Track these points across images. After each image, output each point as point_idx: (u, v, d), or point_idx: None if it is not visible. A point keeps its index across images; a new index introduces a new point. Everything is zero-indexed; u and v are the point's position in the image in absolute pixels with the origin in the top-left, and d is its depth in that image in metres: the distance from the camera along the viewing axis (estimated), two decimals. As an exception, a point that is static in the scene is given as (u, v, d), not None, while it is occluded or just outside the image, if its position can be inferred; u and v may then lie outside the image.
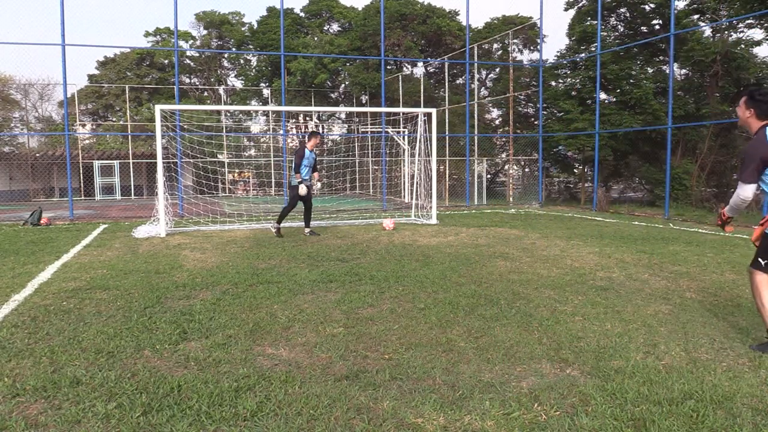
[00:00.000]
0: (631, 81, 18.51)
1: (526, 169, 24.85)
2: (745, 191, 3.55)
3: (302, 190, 9.41)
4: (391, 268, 6.51)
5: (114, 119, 35.02)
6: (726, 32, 17.86)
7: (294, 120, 34.64)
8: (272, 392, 2.99)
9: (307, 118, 35.34)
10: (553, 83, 21.38)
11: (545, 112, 20.81)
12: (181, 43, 34.26)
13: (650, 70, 19.05)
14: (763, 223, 3.65)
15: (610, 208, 16.39)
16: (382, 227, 11.02)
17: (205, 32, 35.94)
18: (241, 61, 36.19)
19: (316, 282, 5.78)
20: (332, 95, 34.99)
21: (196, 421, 2.67)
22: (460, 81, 30.95)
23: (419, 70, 31.32)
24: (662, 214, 14.18)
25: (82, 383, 3.10)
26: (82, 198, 25.84)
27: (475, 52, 22.29)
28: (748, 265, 3.79)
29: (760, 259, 3.68)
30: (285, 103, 18.11)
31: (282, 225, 10.08)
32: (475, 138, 21.74)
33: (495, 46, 29.96)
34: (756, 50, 17.29)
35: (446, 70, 27.14)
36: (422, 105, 24.80)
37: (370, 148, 27.18)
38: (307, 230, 10.05)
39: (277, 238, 9.47)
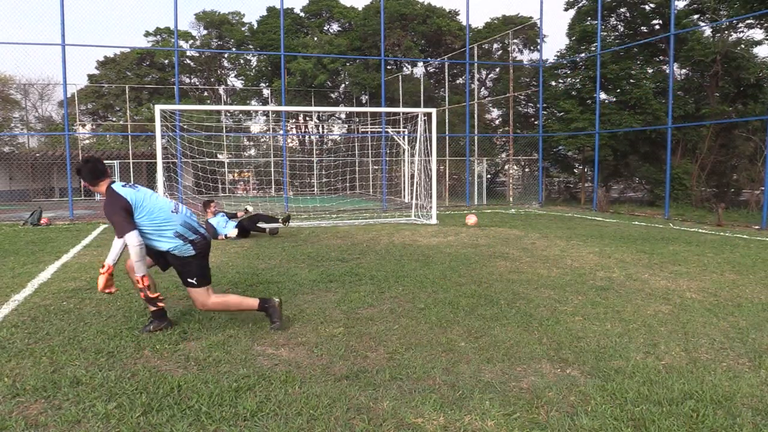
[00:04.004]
0: (631, 81, 18.50)
1: (526, 169, 24.85)
2: (131, 240, 3.69)
3: (233, 233, 9.58)
4: (391, 268, 6.51)
5: (114, 119, 35.02)
6: (726, 32, 17.86)
7: (294, 120, 34.64)
8: (272, 392, 2.99)
9: (307, 118, 35.34)
10: (553, 83, 21.37)
11: (545, 112, 20.81)
12: (181, 43, 34.25)
13: (650, 70, 19.04)
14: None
15: (610, 208, 16.40)
16: (466, 221, 11.83)
17: (205, 32, 35.94)
18: (241, 61, 36.18)
19: (316, 282, 5.78)
20: (332, 95, 34.99)
21: (196, 421, 2.67)
22: (460, 81, 30.95)
23: (419, 70, 31.32)
24: (662, 214, 14.19)
25: (82, 383, 3.10)
26: (82, 198, 25.84)
27: (475, 52, 22.28)
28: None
29: (190, 280, 3.97)
30: (285, 103, 18.11)
31: (277, 225, 10.16)
32: (475, 138, 21.74)
33: (495, 46, 29.97)
34: (756, 50, 17.28)
35: (446, 70, 27.15)
36: (422, 105, 24.80)
37: (370, 148, 27.18)
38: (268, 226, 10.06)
39: (277, 238, 9.50)
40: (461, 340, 3.85)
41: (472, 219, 11.94)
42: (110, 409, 2.77)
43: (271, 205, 17.45)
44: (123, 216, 3.71)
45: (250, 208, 10.35)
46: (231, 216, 10.07)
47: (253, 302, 4.08)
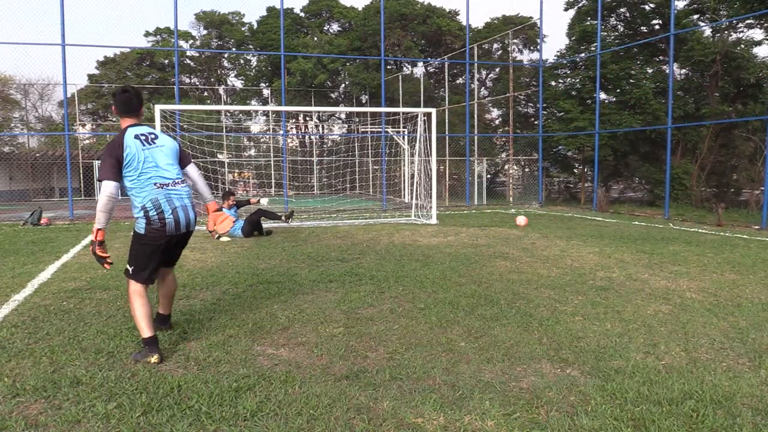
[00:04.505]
0: (631, 81, 18.50)
1: (526, 169, 24.84)
2: (105, 188, 3.46)
3: (223, 233, 9.55)
4: (391, 268, 6.51)
5: (114, 119, 34.98)
6: (726, 32, 17.86)
7: (294, 120, 34.64)
8: (272, 392, 2.99)
9: (307, 118, 35.34)
10: (553, 83, 21.37)
11: (545, 112, 20.81)
12: (181, 43, 34.25)
13: (650, 70, 19.04)
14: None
15: (610, 208, 16.39)
16: (516, 223, 11.64)
17: (205, 32, 35.93)
18: (241, 61, 36.18)
19: (316, 282, 5.78)
20: (332, 95, 34.98)
21: (196, 421, 2.67)
22: (460, 81, 30.95)
23: (419, 70, 31.32)
24: (662, 214, 14.19)
25: (82, 383, 3.10)
26: (82, 198, 25.84)
27: (475, 52, 22.28)
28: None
29: (128, 266, 3.67)
30: (285, 103, 18.10)
31: (275, 225, 10.28)
32: (475, 138, 21.74)
33: (495, 46, 29.98)
34: (756, 50, 17.29)
35: (446, 70, 27.15)
36: (422, 105, 24.80)
37: (370, 148, 27.18)
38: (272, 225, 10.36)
39: (277, 237, 9.51)
40: (461, 340, 3.85)
41: (521, 219, 11.57)
42: (110, 409, 2.77)
43: (272, 205, 17.44)
44: (111, 163, 3.46)
45: (264, 201, 10.41)
46: (244, 203, 10.28)
47: (146, 331, 3.51)
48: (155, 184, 3.61)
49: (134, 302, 3.58)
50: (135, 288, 3.61)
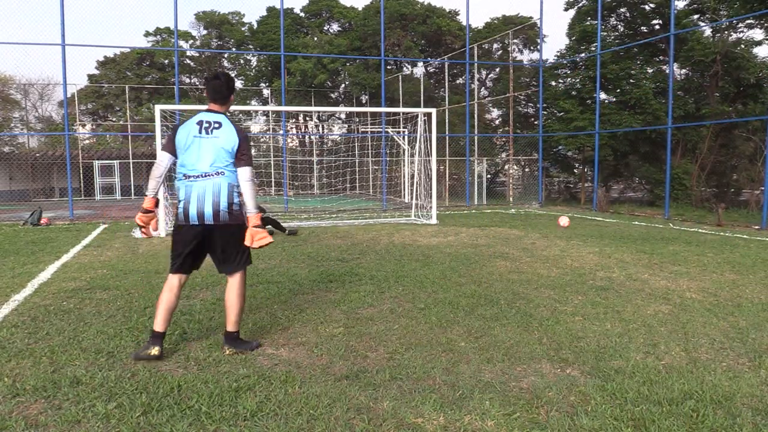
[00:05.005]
0: (631, 81, 18.51)
1: (526, 169, 24.84)
2: (158, 156, 3.70)
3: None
4: (391, 268, 6.51)
5: (114, 119, 35.04)
6: (726, 32, 17.86)
7: (294, 120, 34.64)
8: (272, 392, 2.99)
9: (307, 118, 35.34)
10: (553, 83, 21.37)
11: (545, 112, 20.81)
12: (181, 43, 34.25)
13: (650, 70, 19.04)
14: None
15: (610, 208, 16.40)
16: (558, 224, 11.61)
17: (205, 32, 35.95)
18: (241, 61, 36.19)
19: (316, 282, 5.78)
20: (332, 95, 34.99)
21: (196, 421, 2.67)
22: (460, 81, 30.95)
23: (419, 70, 31.33)
24: (662, 214, 14.19)
25: (82, 383, 3.10)
26: (82, 198, 25.84)
27: (475, 52, 22.28)
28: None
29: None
30: (285, 103, 18.10)
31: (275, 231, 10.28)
32: (475, 138, 21.74)
33: (495, 46, 29.98)
34: (756, 50, 17.29)
35: (446, 70, 27.15)
36: (422, 105, 24.79)
37: (370, 148, 27.17)
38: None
39: (277, 237, 9.51)
40: (461, 340, 3.85)
41: (564, 220, 11.53)
42: (110, 409, 2.77)
43: (271, 205, 17.44)
44: (170, 138, 3.63)
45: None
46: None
47: (157, 324, 3.52)
48: (184, 174, 3.62)
49: (161, 294, 3.62)
50: (168, 277, 3.67)
